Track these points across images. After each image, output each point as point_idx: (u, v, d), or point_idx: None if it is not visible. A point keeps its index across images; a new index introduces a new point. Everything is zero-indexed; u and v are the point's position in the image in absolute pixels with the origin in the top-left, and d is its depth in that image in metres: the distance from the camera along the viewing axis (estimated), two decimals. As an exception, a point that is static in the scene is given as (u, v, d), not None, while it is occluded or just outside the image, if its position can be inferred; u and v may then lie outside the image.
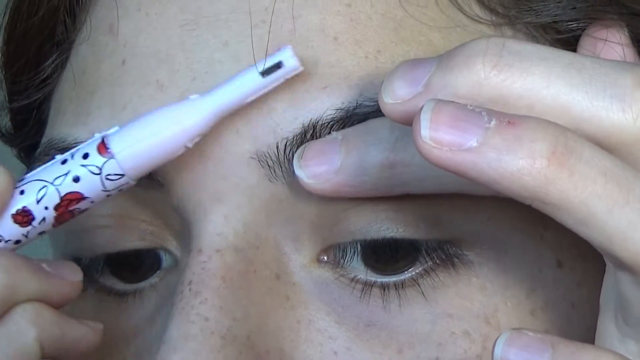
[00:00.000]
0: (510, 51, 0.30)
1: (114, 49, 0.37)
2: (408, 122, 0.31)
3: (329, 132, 0.34)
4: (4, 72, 0.43)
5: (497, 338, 0.30)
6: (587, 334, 0.36)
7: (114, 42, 0.37)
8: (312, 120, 0.35)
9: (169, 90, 0.36)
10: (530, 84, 0.30)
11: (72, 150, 0.35)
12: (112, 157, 0.35)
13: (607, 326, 0.32)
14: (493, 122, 0.29)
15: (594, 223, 0.29)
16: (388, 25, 0.36)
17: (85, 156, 0.35)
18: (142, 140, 0.35)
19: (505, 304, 0.35)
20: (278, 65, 0.34)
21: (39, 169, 0.35)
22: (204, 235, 0.35)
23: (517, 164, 0.29)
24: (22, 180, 0.35)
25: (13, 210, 0.35)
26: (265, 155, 0.35)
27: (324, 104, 0.35)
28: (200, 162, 0.35)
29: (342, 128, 0.34)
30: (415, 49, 0.36)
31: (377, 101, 0.33)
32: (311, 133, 0.35)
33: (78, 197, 0.35)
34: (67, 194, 0.35)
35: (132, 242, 0.38)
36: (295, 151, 0.35)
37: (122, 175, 0.35)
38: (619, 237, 0.29)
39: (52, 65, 0.40)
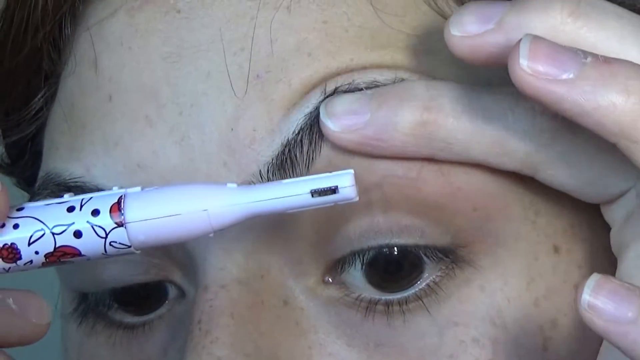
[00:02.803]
0: (589, 3, 0.32)
1: (99, 83, 0.37)
2: (472, 58, 0.32)
3: (301, 141, 0.35)
4: None
5: (584, 283, 0.29)
6: None
7: (99, 76, 0.37)
8: (287, 140, 0.35)
9: (158, 125, 0.36)
10: (604, 37, 0.32)
11: (84, 197, 0.33)
12: (123, 224, 0.32)
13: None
14: (589, 59, 0.31)
15: None
16: (364, 35, 0.36)
17: (95, 213, 0.32)
18: (160, 215, 0.32)
19: (507, 300, 0.35)
20: (333, 190, 0.32)
21: (41, 203, 0.33)
22: (207, 271, 0.35)
23: (611, 98, 0.30)
24: (21, 209, 0.33)
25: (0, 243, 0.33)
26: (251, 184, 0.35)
27: (296, 122, 0.35)
28: None
29: (309, 130, 0.35)
30: (392, 52, 0.35)
31: None
32: (288, 149, 0.35)
33: (74, 253, 0.33)
34: (63, 246, 0.33)
35: (137, 276, 0.38)
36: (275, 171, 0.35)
37: (129, 246, 0.33)
38: None
39: (43, 99, 0.40)
